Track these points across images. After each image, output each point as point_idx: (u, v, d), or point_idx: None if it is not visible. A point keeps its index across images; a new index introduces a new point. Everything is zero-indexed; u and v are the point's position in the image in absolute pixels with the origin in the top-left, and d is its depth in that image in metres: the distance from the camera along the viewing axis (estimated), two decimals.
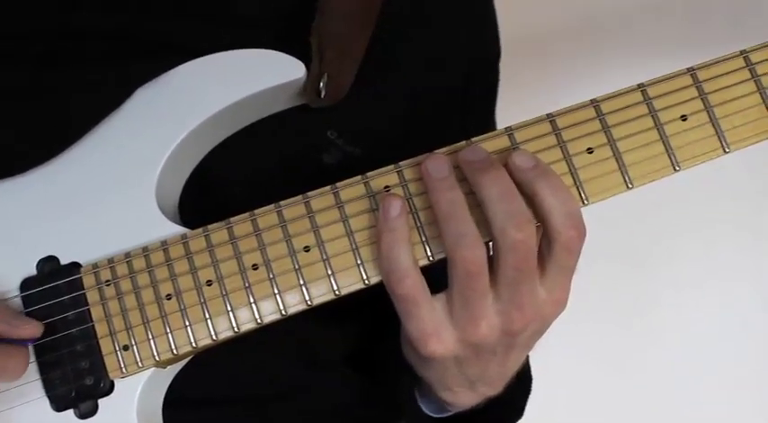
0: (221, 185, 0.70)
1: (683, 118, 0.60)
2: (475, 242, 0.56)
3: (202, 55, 0.66)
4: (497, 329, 0.58)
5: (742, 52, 0.60)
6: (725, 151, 0.59)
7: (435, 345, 0.58)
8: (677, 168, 0.59)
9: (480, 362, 0.61)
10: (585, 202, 0.59)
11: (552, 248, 0.57)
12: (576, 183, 0.59)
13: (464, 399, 0.66)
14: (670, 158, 0.59)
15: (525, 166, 0.57)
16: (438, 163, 0.58)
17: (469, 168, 0.58)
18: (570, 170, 0.59)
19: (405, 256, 0.57)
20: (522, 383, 0.72)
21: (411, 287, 0.57)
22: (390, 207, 0.58)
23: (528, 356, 0.72)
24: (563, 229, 0.56)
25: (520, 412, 0.77)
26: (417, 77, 0.75)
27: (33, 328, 0.61)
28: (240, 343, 0.65)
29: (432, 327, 0.58)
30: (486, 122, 0.79)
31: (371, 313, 0.71)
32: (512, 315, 0.58)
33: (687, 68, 0.60)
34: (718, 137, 0.59)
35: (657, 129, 0.59)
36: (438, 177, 0.58)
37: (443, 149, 0.61)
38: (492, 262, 0.57)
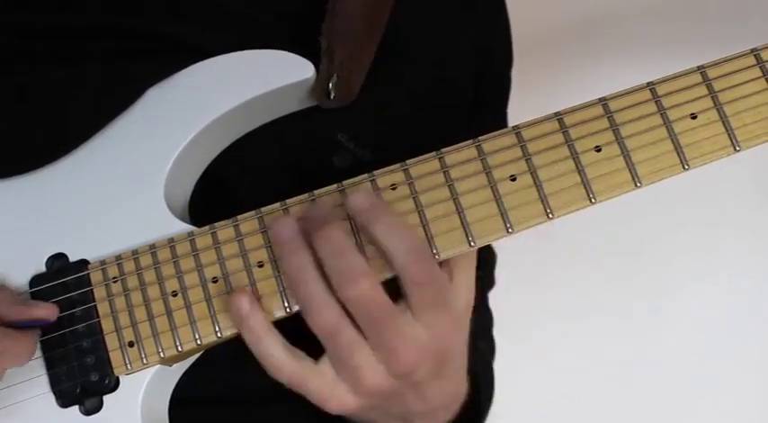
0: (232, 186, 0.70)
1: (693, 116, 0.59)
2: (323, 305, 0.55)
3: (212, 55, 0.66)
4: (384, 375, 0.57)
5: (753, 50, 0.59)
6: (735, 149, 0.58)
7: (337, 404, 0.58)
8: (686, 167, 0.58)
9: (393, 403, 0.60)
10: (593, 200, 0.59)
11: (405, 287, 0.56)
12: (583, 181, 0.59)
13: None
14: (679, 156, 0.58)
15: (359, 208, 0.56)
16: (282, 227, 0.57)
17: (307, 227, 0.57)
18: (578, 168, 0.59)
19: (275, 348, 0.57)
20: (481, 392, 0.71)
21: (290, 371, 0.57)
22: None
23: (490, 368, 0.71)
24: (406, 266, 0.55)
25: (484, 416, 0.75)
26: (430, 81, 0.75)
27: (48, 308, 0.61)
28: (244, 345, 0.65)
29: (326, 390, 0.58)
30: (498, 123, 0.79)
31: None
32: (391, 359, 0.56)
33: (697, 66, 0.60)
34: (729, 135, 0.58)
35: (666, 127, 0.59)
36: (283, 241, 0.57)
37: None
38: None
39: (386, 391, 0.58)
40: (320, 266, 0.56)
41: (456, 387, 0.64)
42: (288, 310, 0.61)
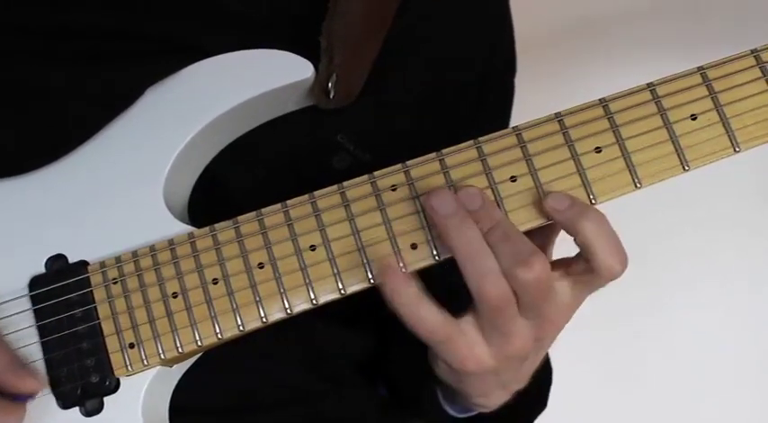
0: (231, 186, 0.70)
1: (693, 117, 0.59)
2: (497, 280, 0.55)
3: (211, 55, 0.66)
4: (531, 340, 0.59)
5: (753, 51, 0.59)
6: (735, 150, 0.58)
7: (474, 364, 0.59)
8: (686, 168, 0.58)
9: (516, 368, 0.62)
10: (593, 201, 0.59)
11: (594, 277, 0.57)
12: (583, 182, 0.59)
13: (497, 400, 0.67)
14: (679, 158, 0.58)
15: (561, 207, 0.57)
16: (442, 200, 0.57)
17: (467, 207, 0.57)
18: (578, 169, 0.59)
19: (427, 312, 0.57)
20: (544, 374, 0.72)
21: (442, 331, 0.57)
22: (394, 283, 0.57)
23: None
24: (612, 265, 0.56)
25: (545, 403, 0.77)
26: (432, 82, 0.74)
27: (34, 384, 0.61)
28: (247, 350, 0.65)
29: (467, 350, 0.58)
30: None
31: (381, 317, 0.71)
32: (542, 326, 0.59)
33: (697, 67, 0.60)
34: (729, 136, 0.58)
35: (667, 128, 0.59)
36: (446, 214, 0.57)
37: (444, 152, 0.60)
38: None
39: (523, 355, 0.60)
40: None
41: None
42: (288, 311, 0.61)
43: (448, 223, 0.57)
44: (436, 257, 0.59)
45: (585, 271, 0.57)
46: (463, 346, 0.58)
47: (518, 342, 0.58)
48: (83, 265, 0.64)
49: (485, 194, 0.58)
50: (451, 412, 0.73)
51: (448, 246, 0.57)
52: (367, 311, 0.70)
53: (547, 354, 0.73)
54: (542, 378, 0.70)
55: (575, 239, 0.57)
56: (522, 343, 0.58)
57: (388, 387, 0.78)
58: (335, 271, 0.60)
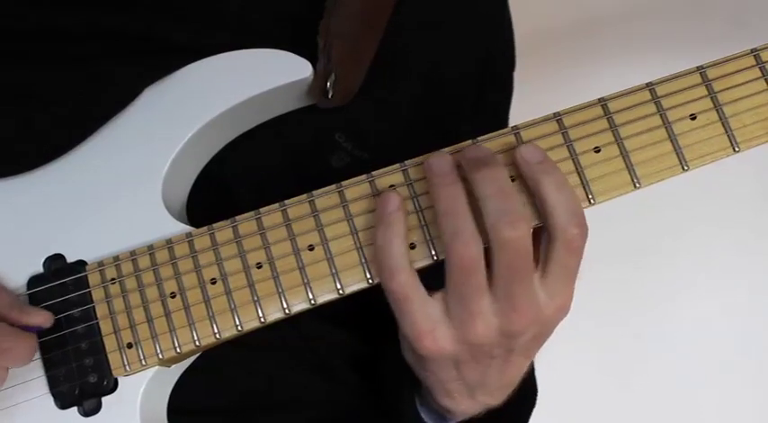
0: (229, 186, 0.70)
1: (692, 117, 0.59)
2: (471, 238, 0.55)
3: (209, 55, 0.66)
4: (495, 329, 0.57)
5: (752, 50, 0.59)
6: (735, 150, 0.58)
7: (430, 342, 0.57)
8: (686, 168, 0.58)
9: (479, 365, 0.60)
10: (592, 201, 0.59)
11: (553, 247, 0.56)
12: (582, 182, 0.58)
13: (463, 406, 0.65)
14: (678, 158, 0.58)
15: (532, 160, 0.57)
16: (440, 160, 0.58)
17: (469, 165, 0.57)
18: (577, 169, 0.59)
19: (398, 251, 0.57)
20: (525, 396, 0.70)
21: (403, 283, 0.56)
22: (388, 202, 0.58)
23: (533, 367, 0.71)
24: (566, 226, 0.55)
25: None
26: (430, 81, 0.74)
27: (44, 316, 0.61)
28: (246, 351, 0.66)
29: (427, 324, 0.57)
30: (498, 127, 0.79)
31: (376, 318, 0.71)
32: (509, 315, 0.56)
33: (697, 67, 0.59)
34: (728, 136, 0.58)
35: (666, 127, 0.59)
36: (439, 173, 0.57)
37: (447, 149, 0.60)
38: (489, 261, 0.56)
39: (485, 346, 0.57)
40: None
41: (522, 372, 0.64)
42: (286, 311, 0.60)
43: (438, 181, 0.57)
44: (434, 257, 0.59)
45: (546, 245, 0.56)
46: (423, 318, 0.57)
47: (480, 324, 0.56)
48: (81, 264, 0.64)
49: (487, 149, 0.58)
50: (427, 420, 0.70)
51: (432, 201, 0.57)
52: (367, 313, 0.70)
53: (532, 376, 0.72)
54: (521, 399, 0.67)
55: (534, 195, 0.56)
56: (485, 328, 0.56)
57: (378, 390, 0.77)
58: (333, 271, 0.60)
